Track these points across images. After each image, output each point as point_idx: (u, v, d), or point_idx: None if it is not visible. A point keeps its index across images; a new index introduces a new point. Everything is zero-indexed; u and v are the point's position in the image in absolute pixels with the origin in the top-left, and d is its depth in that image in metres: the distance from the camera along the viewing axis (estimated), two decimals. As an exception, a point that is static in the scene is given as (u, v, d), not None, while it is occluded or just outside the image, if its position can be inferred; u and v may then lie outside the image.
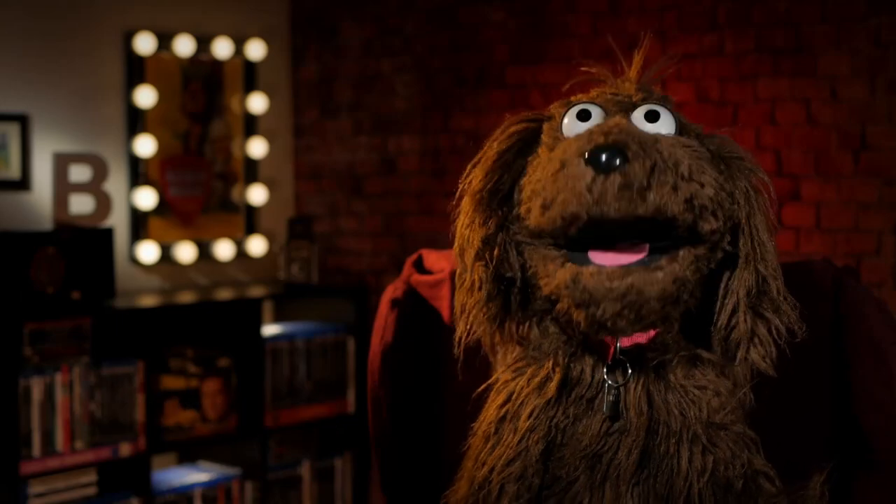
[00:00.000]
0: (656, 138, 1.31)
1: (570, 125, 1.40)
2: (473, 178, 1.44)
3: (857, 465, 1.69)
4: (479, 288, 1.43)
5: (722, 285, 1.40)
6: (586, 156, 1.26)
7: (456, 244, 1.46)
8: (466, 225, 1.44)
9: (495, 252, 1.42)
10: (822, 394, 1.75)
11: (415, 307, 1.95)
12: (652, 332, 1.40)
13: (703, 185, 1.31)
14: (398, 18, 3.76)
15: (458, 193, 1.46)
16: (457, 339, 1.47)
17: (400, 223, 3.79)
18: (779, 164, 2.97)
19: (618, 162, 1.24)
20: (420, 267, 2.00)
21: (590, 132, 1.31)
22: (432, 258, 1.99)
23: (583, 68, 1.50)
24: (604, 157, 1.25)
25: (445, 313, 1.91)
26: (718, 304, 1.40)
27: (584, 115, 1.40)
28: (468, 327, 1.46)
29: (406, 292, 1.96)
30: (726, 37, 3.05)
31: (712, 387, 1.43)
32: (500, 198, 1.42)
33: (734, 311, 1.38)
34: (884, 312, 1.73)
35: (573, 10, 3.33)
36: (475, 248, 1.42)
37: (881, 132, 2.83)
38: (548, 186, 1.30)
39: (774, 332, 1.38)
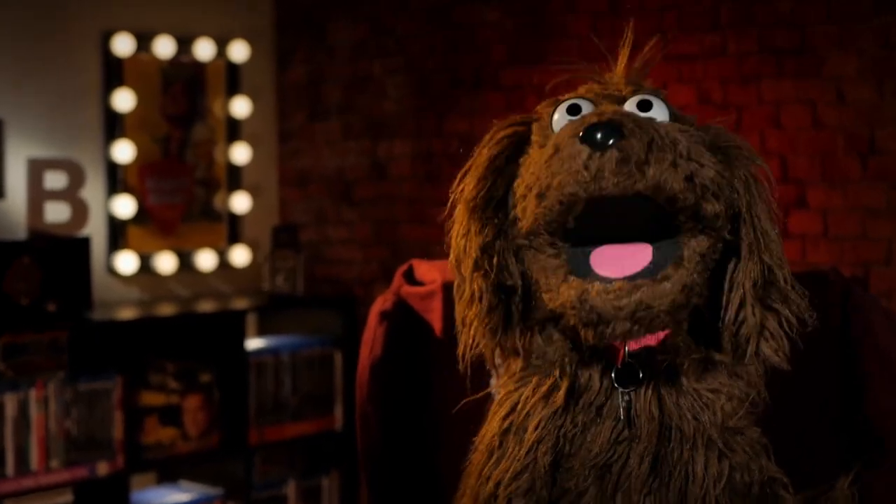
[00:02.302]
0: (652, 119, 1.33)
1: (561, 120, 1.40)
2: (465, 186, 1.44)
3: (866, 465, 1.69)
4: (480, 299, 1.41)
5: (727, 279, 1.38)
6: (581, 134, 1.26)
7: (452, 255, 1.45)
8: (462, 234, 1.43)
9: (494, 260, 1.40)
10: (830, 401, 1.77)
11: (405, 319, 1.96)
12: (661, 334, 1.38)
13: (702, 165, 1.31)
14: (391, 18, 3.77)
15: (449, 203, 1.45)
16: (460, 353, 1.45)
17: (391, 231, 3.77)
18: (784, 169, 2.96)
19: (613, 139, 1.24)
20: (411, 278, 2.00)
21: (582, 116, 1.34)
22: (423, 269, 2.00)
23: (571, 66, 1.50)
24: (599, 134, 1.25)
25: (437, 326, 1.93)
26: (725, 298, 1.38)
27: (574, 110, 1.40)
28: (471, 341, 1.44)
29: (396, 304, 1.97)
30: (728, 37, 3.04)
31: (726, 390, 1.41)
32: (495, 204, 1.41)
33: (741, 305, 1.37)
34: (891, 321, 1.78)
35: (572, 9, 3.33)
36: (473, 258, 1.41)
37: (890, 135, 2.81)
38: (542, 174, 1.30)
39: (785, 323, 1.37)
